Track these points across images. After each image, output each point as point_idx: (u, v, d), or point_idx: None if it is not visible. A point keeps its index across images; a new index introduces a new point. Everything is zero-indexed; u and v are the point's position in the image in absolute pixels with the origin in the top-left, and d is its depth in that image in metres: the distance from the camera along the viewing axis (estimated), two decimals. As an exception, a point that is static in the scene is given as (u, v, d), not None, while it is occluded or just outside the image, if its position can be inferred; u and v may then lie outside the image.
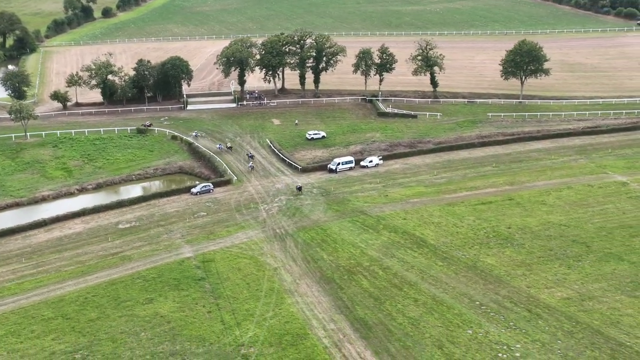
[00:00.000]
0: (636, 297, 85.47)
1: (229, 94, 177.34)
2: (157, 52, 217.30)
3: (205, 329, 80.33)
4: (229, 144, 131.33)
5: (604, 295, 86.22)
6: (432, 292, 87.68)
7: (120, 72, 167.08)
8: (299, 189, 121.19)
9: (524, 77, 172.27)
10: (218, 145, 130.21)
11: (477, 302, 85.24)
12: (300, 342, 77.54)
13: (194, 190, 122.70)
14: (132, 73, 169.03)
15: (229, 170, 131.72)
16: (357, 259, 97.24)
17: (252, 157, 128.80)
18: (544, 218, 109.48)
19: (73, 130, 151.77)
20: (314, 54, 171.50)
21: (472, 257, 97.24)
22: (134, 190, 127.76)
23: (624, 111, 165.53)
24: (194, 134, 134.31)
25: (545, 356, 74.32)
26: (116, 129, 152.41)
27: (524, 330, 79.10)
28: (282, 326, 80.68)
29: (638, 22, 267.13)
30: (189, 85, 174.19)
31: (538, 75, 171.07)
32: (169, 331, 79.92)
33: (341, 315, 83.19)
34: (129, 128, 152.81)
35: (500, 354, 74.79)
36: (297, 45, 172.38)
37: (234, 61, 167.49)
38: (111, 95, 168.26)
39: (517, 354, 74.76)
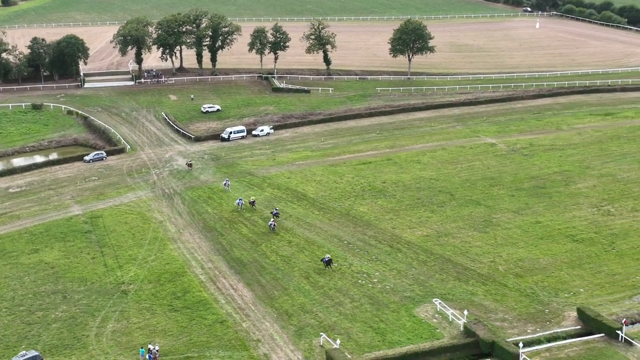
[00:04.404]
0: (486, 233, 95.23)
1: (127, 72, 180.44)
2: (57, 36, 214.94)
3: (88, 272, 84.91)
4: (252, 199, 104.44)
5: (459, 232, 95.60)
6: (305, 235, 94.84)
7: (15, 51, 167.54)
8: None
9: (411, 55, 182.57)
10: (238, 201, 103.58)
11: (346, 242, 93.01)
12: (178, 278, 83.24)
13: (86, 158, 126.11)
14: (27, 52, 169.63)
15: (123, 140, 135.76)
16: (240, 211, 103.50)
17: (276, 214, 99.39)
18: (416, 174, 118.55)
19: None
20: (210, 33, 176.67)
21: (346, 207, 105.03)
22: (27, 161, 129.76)
23: (501, 85, 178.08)
24: (224, 182, 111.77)
25: (399, 280, 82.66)
26: (10, 105, 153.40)
27: (384, 262, 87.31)
28: (162, 267, 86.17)
29: (524, 8, 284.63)
30: (85, 63, 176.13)
31: (424, 52, 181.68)
32: (52, 275, 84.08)
33: (219, 257, 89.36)
34: (23, 104, 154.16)
35: (360, 281, 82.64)
36: (194, 25, 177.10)
37: (131, 40, 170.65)
38: (6, 75, 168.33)
39: (375, 280, 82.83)
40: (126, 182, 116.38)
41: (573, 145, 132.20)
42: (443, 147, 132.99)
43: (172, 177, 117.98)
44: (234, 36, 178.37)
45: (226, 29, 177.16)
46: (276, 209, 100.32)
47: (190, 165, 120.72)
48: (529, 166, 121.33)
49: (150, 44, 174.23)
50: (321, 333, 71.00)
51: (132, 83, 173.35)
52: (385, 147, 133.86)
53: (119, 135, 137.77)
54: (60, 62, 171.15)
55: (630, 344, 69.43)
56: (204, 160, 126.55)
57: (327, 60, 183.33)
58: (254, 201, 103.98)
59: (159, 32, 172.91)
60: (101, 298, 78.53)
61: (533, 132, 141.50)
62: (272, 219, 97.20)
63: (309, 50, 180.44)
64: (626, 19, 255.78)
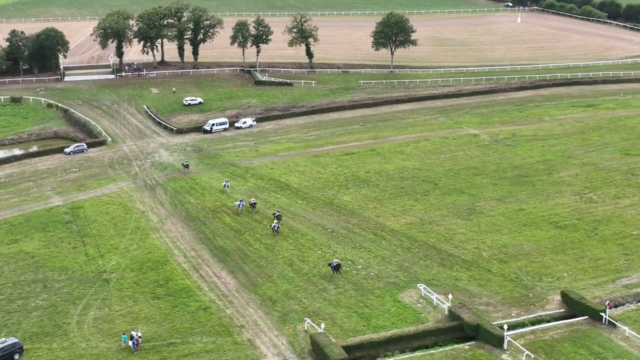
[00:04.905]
0: (470, 220, 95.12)
1: (107, 66, 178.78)
2: (36, 31, 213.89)
3: (69, 261, 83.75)
4: (252, 200, 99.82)
5: (443, 220, 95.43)
6: (289, 224, 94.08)
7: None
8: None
9: (393, 48, 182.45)
10: (238, 203, 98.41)
11: (330, 230, 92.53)
12: (160, 267, 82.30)
13: (67, 150, 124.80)
14: (5, 45, 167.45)
15: (104, 133, 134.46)
16: (223, 201, 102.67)
17: (279, 216, 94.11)
18: (400, 164, 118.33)
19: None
20: (192, 26, 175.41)
21: (330, 196, 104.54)
22: (6, 153, 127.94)
23: (484, 78, 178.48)
24: (223, 184, 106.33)
25: (383, 267, 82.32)
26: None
27: (368, 249, 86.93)
28: (145, 256, 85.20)
29: (505, 3, 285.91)
30: (65, 57, 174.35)
31: (406, 45, 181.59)
32: (32, 264, 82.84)
33: (202, 245, 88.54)
34: (2, 97, 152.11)
35: (344, 268, 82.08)
36: (175, 18, 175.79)
37: (111, 33, 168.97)
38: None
39: (359, 267, 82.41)
40: (107, 173, 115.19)
41: (555, 136, 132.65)
42: (426, 138, 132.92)
43: (154, 169, 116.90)
44: (216, 29, 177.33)
45: (208, 22, 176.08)
46: (278, 211, 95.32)
47: (186, 166, 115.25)
48: (512, 156, 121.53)
49: (131, 37, 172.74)
50: (305, 318, 70.46)
51: (113, 76, 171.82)
52: (368, 138, 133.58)
53: (99, 128, 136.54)
54: (39, 55, 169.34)
55: (614, 325, 69.58)
56: (186, 152, 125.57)
57: (309, 54, 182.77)
58: (255, 203, 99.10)
59: (140, 25, 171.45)
60: (82, 286, 77.47)
61: (515, 123, 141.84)
62: (275, 221, 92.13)
63: (291, 43, 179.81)
64: (606, 14, 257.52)
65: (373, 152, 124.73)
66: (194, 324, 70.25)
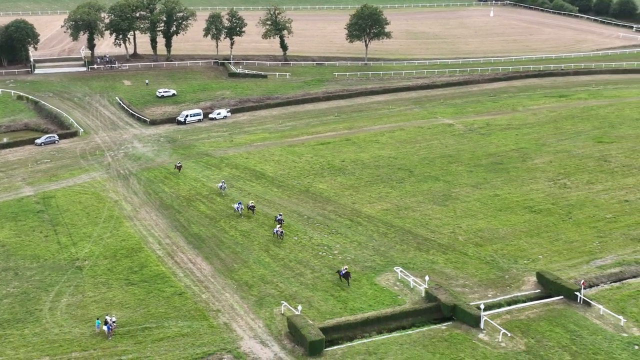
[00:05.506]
0: (445, 206, 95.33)
1: (79, 59, 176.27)
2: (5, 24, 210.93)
3: (41, 249, 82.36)
4: (251, 203, 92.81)
5: (419, 206, 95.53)
6: (265, 211, 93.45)
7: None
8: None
9: (367, 40, 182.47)
10: (236, 206, 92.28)
11: (305, 216, 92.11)
12: (134, 254, 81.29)
13: (37, 141, 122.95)
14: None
15: (76, 124, 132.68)
16: (197, 190, 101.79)
17: (281, 220, 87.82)
18: (375, 153, 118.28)
19: None
20: (164, 18, 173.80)
21: (305, 184, 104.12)
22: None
23: (457, 70, 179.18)
24: (220, 185, 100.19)
25: (360, 252, 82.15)
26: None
27: (344, 235, 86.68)
28: (119, 243, 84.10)
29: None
30: (35, 49, 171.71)
31: (380, 37, 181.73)
32: (2, 252, 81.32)
33: (177, 233, 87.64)
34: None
35: (320, 253, 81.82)
36: (147, 9, 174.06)
37: (82, 25, 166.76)
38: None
39: (336, 252, 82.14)
40: (80, 164, 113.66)
41: (529, 125, 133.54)
42: (401, 127, 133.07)
43: (127, 159, 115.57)
44: (189, 21, 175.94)
45: (181, 14, 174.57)
46: (280, 214, 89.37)
47: (179, 167, 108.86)
48: (487, 144, 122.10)
49: (103, 29, 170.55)
50: (282, 302, 70.03)
51: (84, 69, 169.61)
52: (343, 128, 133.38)
53: (71, 120, 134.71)
54: (8, 47, 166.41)
55: (589, 304, 70.11)
56: (159, 143, 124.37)
57: (283, 46, 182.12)
58: (254, 206, 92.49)
59: (112, 16, 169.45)
60: (55, 274, 76.20)
61: (490, 113, 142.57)
62: (277, 226, 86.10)
63: (265, 35, 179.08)
64: (577, 8, 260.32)
65: (348, 141, 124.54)
66: (169, 308, 69.43)
